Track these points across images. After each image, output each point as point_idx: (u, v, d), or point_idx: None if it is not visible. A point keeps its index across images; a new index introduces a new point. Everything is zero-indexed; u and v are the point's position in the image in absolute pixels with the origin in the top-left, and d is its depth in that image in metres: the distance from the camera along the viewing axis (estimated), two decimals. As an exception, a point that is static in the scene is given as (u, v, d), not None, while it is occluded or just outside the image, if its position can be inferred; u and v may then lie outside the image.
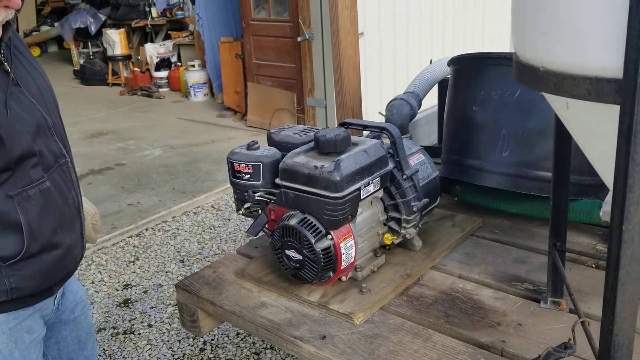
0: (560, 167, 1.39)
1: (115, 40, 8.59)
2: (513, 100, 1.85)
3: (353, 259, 1.57)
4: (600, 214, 1.77)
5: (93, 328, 1.65)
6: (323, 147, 1.55)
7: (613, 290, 0.94)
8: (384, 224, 1.72)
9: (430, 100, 3.08)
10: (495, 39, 6.41)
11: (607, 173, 1.07)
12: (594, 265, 1.67)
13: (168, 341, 2.79)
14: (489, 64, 1.97)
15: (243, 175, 1.66)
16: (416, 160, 1.77)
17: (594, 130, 1.01)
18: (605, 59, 0.85)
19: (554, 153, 1.38)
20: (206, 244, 3.84)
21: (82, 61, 9.39)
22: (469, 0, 6.12)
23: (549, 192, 1.46)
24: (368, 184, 1.56)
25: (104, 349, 2.78)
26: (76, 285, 1.55)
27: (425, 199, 1.70)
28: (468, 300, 1.55)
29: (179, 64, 8.45)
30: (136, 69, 8.60)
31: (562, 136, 1.34)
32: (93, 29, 9.35)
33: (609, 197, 1.75)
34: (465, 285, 1.62)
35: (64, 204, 1.29)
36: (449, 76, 2.23)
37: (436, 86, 2.70)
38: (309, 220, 1.52)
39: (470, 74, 2.04)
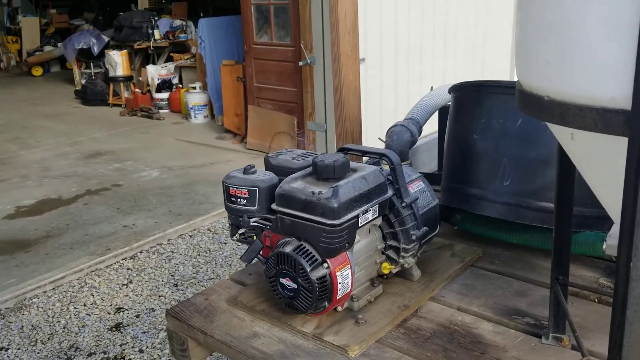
0: (563, 197, 1.36)
1: (118, 62, 8.65)
2: (514, 129, 1.83)
3: (349, 288, 1.53)
4: (604, 247, 1.72)
5: None
6: (321, 172, 1.52)
7: (620, 330, 0.90)
8: (382, 253, 1.68)
9: (430, 127, 3.06)
10: (496, 67, 6.45)
11: (613, 206, 1.03)
12: (596, 300, 1.62)
13: (159, 368, 2.73)
14: (490, 92, 1.95)
15: (238, 199, 1.62)
16: (416, 187, 1.73)
17: (600, 162, 0.98)
18: (614, 89, 0.82)
19: (556, 183, 1.35)
20: (201, 267, 3.79)
21: (83, 81, 9.43)
22: (470, 29, 6.17)
23: (550, 223, 1.42)
24: (366, 211, 1.52)
25: (92, 374, 2.71)
26: None
27: (425, 228, 1.66)
28: (467, 334, 1.50)
29: (180, 85, 8.49)
30: (137, 90, 8.63)
31: (565, 166, 1.30)
32: (96, 50, 9.43)
33: (613, 230, 1.72)
34: (464, 318, 1.58)
35: None
36: (450, 103, 2.21)
37: (436, 113, 2.68)
38: (304, 247, 1.47)
39: (471, 101, 2.01)
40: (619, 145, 0.84)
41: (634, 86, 0.78)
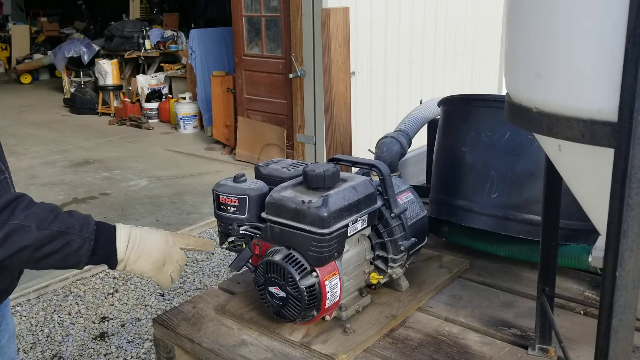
0: (550, 210, 1.37)
1: (107, 71, 8.63)
2: (502, 142, 1.85)
3: (338, 297, 1.53)
4: (589, 259, 1.74)
5: None
6: (311, 182, 1.53)
7: (606, 339, 0.91)
8: (371, 263, 1.68)
9: (419, 141, 3.09)
10: (484, 81, 6.52)
11: (599, 217, 1.05)
12: (582, 312, 1.64)
13: (143, 378, 2.70)
14: (478, 106, 1.98)
15: (228, 208, 1.63)
16: (405, 198, 1.75)
17: (587, 173, 1.00)
18: (600, 101, 0.84)
19: (543, 196, 1.37)
20: (188, 278, 3.77)
21: (72, 90, 9.39)
22: (458, 43, 6.24)
23: (537, 236, 1.44)
24: (356, 221, 1.53)
25: (76, 384, 2.68)
26: (8, 312, 1.53)
27: (413, 239, 1.67)
28: (454, 345, 1.50)
29: (170, 95, 8.49)
30: (126, 99, 8.61)
31: (552, 179, 1.32)
32: (86, 59, 9.41)
33: (599, 243, 1.74)
34: (451, 328, 1.58)
35: None
36: (439, 117, 2.23)
37: (426, 126, 2.70)
38: (294, 256, 1.48)
39: (460, 115, 2.04)
40: (605, 156, 0.86)
41: (620, 98, 0.80)
